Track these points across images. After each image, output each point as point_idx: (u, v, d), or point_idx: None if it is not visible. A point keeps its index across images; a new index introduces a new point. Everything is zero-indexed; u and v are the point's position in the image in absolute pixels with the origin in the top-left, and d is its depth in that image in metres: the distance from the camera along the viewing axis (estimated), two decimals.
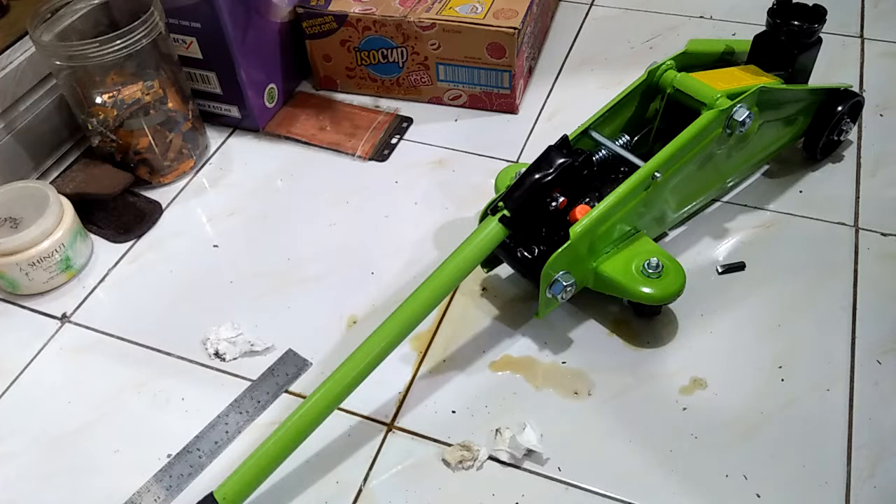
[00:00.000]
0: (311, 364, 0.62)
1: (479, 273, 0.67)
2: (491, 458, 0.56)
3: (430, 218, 0.73)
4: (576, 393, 0.59)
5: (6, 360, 0.64)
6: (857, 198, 0.72)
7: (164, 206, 0.76)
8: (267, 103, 0.84)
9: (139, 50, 0.69)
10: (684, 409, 0.58)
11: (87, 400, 0.61)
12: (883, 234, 0.69)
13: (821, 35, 0.70)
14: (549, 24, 0.97)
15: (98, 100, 0.72)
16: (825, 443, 0.55)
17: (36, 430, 0.59)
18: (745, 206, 0.72)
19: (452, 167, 0.79)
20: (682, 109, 0.64)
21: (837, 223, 0.70)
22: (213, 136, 0.84)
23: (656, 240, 0.66)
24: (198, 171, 0.80)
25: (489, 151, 0.80)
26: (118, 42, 0.67)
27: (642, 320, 0.63)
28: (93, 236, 0.74)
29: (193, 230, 0.74)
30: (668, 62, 0.66)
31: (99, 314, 0.67)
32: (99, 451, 0.58)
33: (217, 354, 0.63)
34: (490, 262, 0.65)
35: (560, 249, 0.56)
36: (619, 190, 0.58)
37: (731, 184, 0.73)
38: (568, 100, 0.86)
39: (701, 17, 0.96)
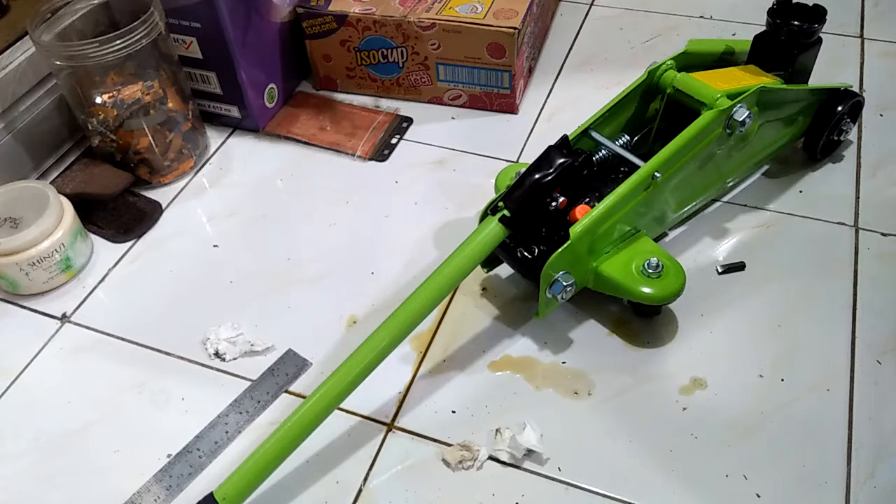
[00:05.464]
0: (311, 364, 0.62)
1: (479, 273, 0.67)
2: (491, 458, 0.56)
3: (430, 218, 0.73)
4: (576, 393, 0.59)
5: (6, 360, 0.64)
6: (857, 198, 0.72)
7: (164, 206, 0.76)
8: (267, 103, 0.84)
9: (139, 50, 0.69)
10: (684, 409, 0.58)
11: (87, 400, 0.61)
12: (883, 234, 0.69)
13: (821, 35, 0.70)
14: (549, 24, 0.97)
15: (98, 100, 0.72)
16: (825, 443, 0.55)
17: (36, 430, 0.59)
18: (745, 206, 0.72)
19: (452, 167, 0.79)
20: (682, 109, 0.64)
21: (837, 223, 0.70)
22: (213, 136, 0.84)
23: (656, 240, 0.66)
24: (198, 171, 0.80)
25: (489, 151, 0.80)
26: (118, 42, 0.67)
27: (642, 320, 0.63)
28: (93, 236, 0.74)
29: (193, 230, 0.74)
30: (668, 62, 0.66)
31: (99, 314, 0.67)
32: (99, 451, 0.58)
33: (217, 354, 0.63)
34: (490, 262, 0.65)
35: (560, 249, 0.56)
36: (619, 190, 0.58)
37: (731, 184, 0.73)
38: (568, 100, 0.86)
39: (701, 17, 0.96)
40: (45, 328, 0.66)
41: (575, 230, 0.57)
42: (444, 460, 0.55)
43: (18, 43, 0.75)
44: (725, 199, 0.73)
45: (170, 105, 0.75)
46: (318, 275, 0.69)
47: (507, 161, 0.79)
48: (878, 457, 0.54)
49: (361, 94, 0.88)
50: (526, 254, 0.59)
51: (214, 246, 0.73)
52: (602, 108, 0.66)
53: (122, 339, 0.65)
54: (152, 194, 0.77)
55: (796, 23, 0.68)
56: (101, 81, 0.72)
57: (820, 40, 0.71)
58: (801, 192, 0.73)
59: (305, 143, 0.82)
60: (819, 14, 0.68)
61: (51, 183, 0.73)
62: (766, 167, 0.75)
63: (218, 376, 0.62)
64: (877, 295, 0.64)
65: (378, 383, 0.58)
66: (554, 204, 0.57)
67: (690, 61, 0.69)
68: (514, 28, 0.77)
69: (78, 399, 0.61)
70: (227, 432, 0.58)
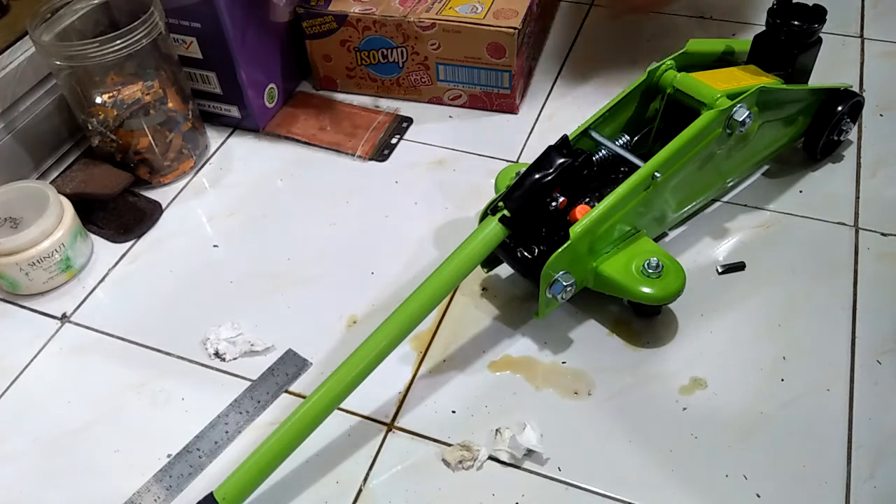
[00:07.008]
0: (311, 364, 0.62)
1: (479, 273, 0.67)
2: (491, 458, 0.56)
3: (430, 218, 0.73)
4: (576, 393, 0.59)
5: (6, 360, 0.64)
6: (857, 198, 0.72)
7: (164, 206, 0.76)
8: (267, 103, 0.84)
9: (139, 50, 0.69)
10: (684, 409, 0.58)
11: (87, 400, 0.61)
12: (883, 234, 0.69)
13: (821, 35, 0.70)
14: (549, 24, 0.97)
15: (98, 100, 0.72)
16: (825, 443, 0.55)
17: (36, 430, 0.59)
18: (745, 206, 0.72)
19: (452, 167, 0.79)
20: (682, 109, 0.64)
21: (837, 223, 0.70)
22: (213, 136, 0.84)
23: (656, 240, 0.66)
24: (198, 171, 0.80)
25: (489, 151, 0.80)
26: (118, 42, 0.67)
27: (642, 320, 0.63)
28: (93, 236, 0.74)
29: (193, 230, 0.74)
30: (668, 62, 0.66)
31: (99, 314, 0.67)
32: (99, 451, 0.58)
33: (217, 354, 0.63)
34: (490, 262, 0.65)
35: (560, 249, 0.56)
36: (619, 190, 0.58)
37: (731, 184, 0.73)
38: (568, 100, 0.86)
39: (701, 17, 0.96)
40: (44, 328, 0.66)
41: (575, 230, 0.57)
42: (444, 460, 0.55)
43: (18, 43, 0.75)
44: (725, 199, 0.73)
45: (170, 105, 0.75)
46: (318, 275, 0.69)
47: (507, 161, 0.79)
48: (878, 457, 0.54)
49: (361, 94, 0.88)
50: (526, 254, 0.59)
51: (214, 246, 0.73)
52: (602, 108, 0.66)
53: (122, 339, 0.65)
54: (152, 194, 0.77)
55: (796, 23, 0.68)
56: (101, 81, 0.72)
57: (820, 40, 0.71)
58: (801, 192, 0.73)
59: (305, 143, 0.82)
60: (819, 14, 0.68)
61: (51, 183, 0.73)
62: (766, 167, 0.75)
63: (218, 376, 0.62)
64: (877, 295, 0.64)
65: (378, 383, 0.58)
66: (554, 204, 0.57)
67: (690, 61, 0.69)
68: (514, 28, 0.77)
69: (78, 399, 0.61)
70: (227, 432, 0.58)
